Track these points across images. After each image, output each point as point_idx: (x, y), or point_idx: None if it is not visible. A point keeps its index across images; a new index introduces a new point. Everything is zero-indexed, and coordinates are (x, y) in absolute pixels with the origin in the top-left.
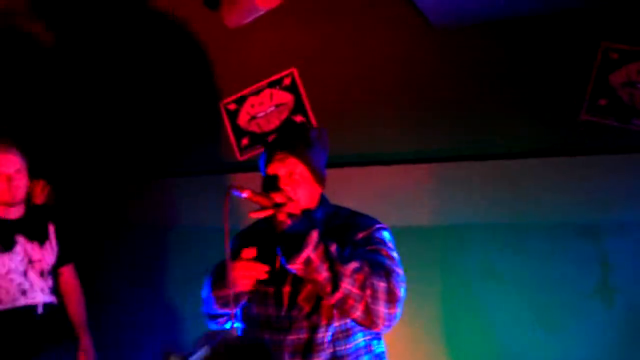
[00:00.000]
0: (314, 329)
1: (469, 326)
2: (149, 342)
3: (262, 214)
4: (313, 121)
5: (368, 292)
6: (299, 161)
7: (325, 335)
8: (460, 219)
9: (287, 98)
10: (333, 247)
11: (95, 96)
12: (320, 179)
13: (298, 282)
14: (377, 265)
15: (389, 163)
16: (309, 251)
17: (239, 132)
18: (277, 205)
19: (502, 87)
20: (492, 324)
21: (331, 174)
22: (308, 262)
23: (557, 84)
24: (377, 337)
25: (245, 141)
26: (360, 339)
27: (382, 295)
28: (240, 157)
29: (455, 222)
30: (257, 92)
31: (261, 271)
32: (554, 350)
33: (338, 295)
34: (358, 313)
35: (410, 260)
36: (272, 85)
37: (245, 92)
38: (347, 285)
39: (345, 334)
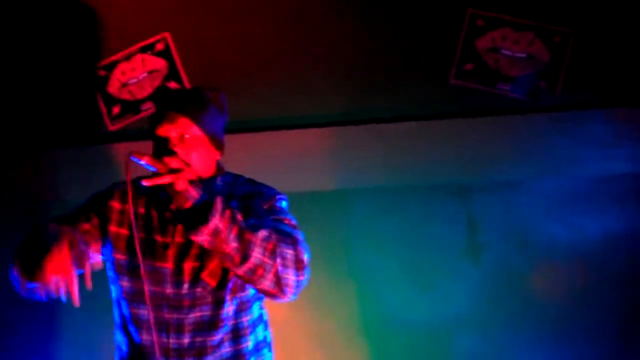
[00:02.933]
0: (218, 305)
1: (348, 287)
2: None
3: (157, 181)
4: (188, 88)
5: (278, 260)
6: (192, 122)
7: (229, 309)
8: (341, 183)
9: (161, 64)
10: (239, 215)
11: None
12: (218, 144)
13: (200, 256)
14: (283, 234)
15: (266, 129)
16: (216, 220)
17: (110, 100)
18: (174, 171)
19: (377, 55)
20: (371, 285)
21: None
22: (216, 232)
23: (427, 49)
24: (263, 306)
25: (116, 110)
26: (256, 309)
27: (291, 263)
28: (111, 127)
29: (336, 186)
30: (128, 58)
31: (71, 277)
32: (427, 308)
33: (248, 265)
34: (267, 282)
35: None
36: (144, 50)
37: (115, 57)
38: (257, 254)
39: (246, 306)
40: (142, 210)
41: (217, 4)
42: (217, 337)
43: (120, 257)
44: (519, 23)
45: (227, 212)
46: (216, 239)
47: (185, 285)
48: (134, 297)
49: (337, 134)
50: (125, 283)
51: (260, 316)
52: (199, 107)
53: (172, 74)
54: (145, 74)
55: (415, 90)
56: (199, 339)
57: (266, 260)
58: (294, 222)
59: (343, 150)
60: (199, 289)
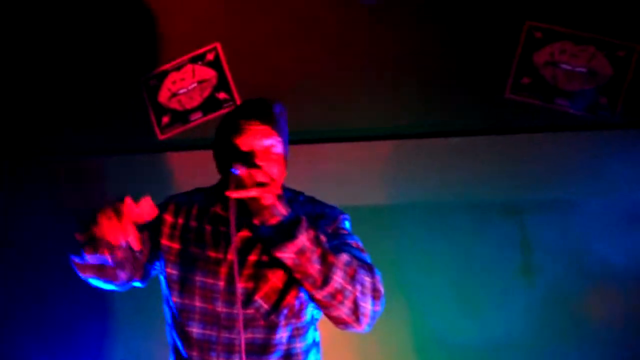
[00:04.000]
0: (271, 329)
1: (396, 306)
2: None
3: (244, 194)
4: (237, 99)
5: (358, 287)
6: (276, 134)
7: (282, 335)
8: (389, 199)
9: (210, 74)
10: (323, 237)
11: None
12: (286, 159)
13: (253, 277)
14: (360, 260)
15: (314, 142)
16: (303, 238)
17: (160, 110)
18: (260, 185)
19: (429, 68)
20: (418, 305)
21: None
22: (302, 251)
23: (483, 62)
24: (317, 327)
25: (166, 119)
26: (310, 335)
27: (369, 291)
28: (160, 136)
29: (384, 202)
30: (179, 68)
31: (125, 225)
32: (476, 332)
33: (328, 289)
34: (344, 310)
35: None
36: (194, 60)
37: (166, 67)
38: (339, 278)
39: (300, 332)
40: (194, 223)
41: (267, 16)
42: None
43: (171, 271)
44: (579, 36)
45: (312, 232)
46: (301, 257)
47: (238, 305)
48: (184, 313)
49: (390, 148)
50: (176, 299)
51: (314, 340)
52: (277, 121)
53: (222, 84)
54: (195, 84)
55: (470, 104)
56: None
57: (347, 285)
58: (361, 245)
59: (395, 165)
60: (251, 311)
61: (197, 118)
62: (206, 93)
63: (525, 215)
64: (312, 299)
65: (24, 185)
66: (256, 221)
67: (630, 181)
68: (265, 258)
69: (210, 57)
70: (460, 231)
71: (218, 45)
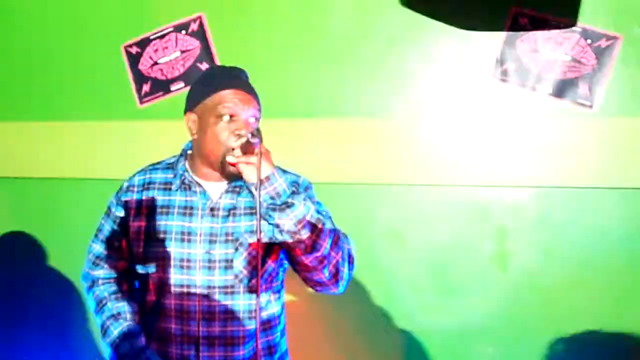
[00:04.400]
0: (252, 295)
1: (371, 287)
2: None
3: (244, 161)
4: None
5: (340, 253)
6: (258, 107)
7: (262, 300)
8: (369, 178)
9: (194, 44)
10: (313, 205)
11: None
12: None
13: (233, 242)
14: (337, 228)
15: (297, 117)
16: (301, 206)
17: (140, 78)
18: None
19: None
20: (393, 287)
21: None
22: (299, 216)
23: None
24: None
25: (146, 88)
26: (282, 298)
27: (347, 257)
28: (140, 104)
29: (363, 181)
30: (162, 36)
31: None
32: (449, 314)
33: (316, 254)
34: (326, 274)
35: None
36: (178, 29)
37: (148, 35)
38: (327, 245)
39: (277, 295)
40: (160, 197)
41: None
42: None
43: (146, 247)
44: (564, 24)
45: (308, 200)
46: (298, 225)
47: (216, 272)
48: (163, 286)
49: (360, 127)
50: (153, 273)
51: (283, 302)
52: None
53: (205, 55)
54: (177, 53)
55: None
56: (229, 329)
57: (331, 252)
58: (329, 213)
59: (374, 145)
60: (230, 277)
61: (179, 88)
62: (189, 63)
63: (500, 201)
64: (296, 263)
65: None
66: (253, 188)
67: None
68: (242, 224)
69: (194, 27)
70: (435, 215)
71: (203, 15)
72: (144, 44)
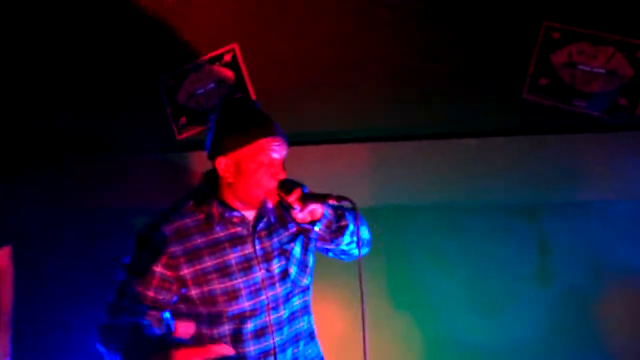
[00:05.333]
0: (304, 291)
1: (410, 308)
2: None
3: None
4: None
5: (361, 222)
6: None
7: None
8: (401, 200)
9: (228, 74)
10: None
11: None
12: None
13: (282, 255)
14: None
15: (330, 142)
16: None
17: (178, 110)
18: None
19: (444, 67)
20: (432, 305)
21: None
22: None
23: (499, 63)
24: None
25: (183, 119)
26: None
27: (364, 223)
28: (178, 136)
29: (396, 202)
30: (197, 68)
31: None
32: (489, 333)
33: (343, 222)
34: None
35: None
36: (212, 61)
37: (185, 67)
38: (350, 221)
39: (310, 287)
40: (200, 239)
41: (285, 17)
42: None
43: (206, 289)
44: (598, 36)
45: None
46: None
47: (277, 285)
48: (235, 319)
49: (408, 149)
50: (224, 308)
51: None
52: None
53: (239, 85)
54: (213, 85)
55: (487, 105)
56: (294, 329)
57: (355, 224)
58: None
59: (412, 166)
60: (288, 285)
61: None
62: (224, 93)
63: (542, 217)
64: (336, 242)
65: (41, 184)
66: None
67: None
68: (283, 235)
69: (227, 57)
70: (476, 233)
71: (236, 46)
72: (180, 76)
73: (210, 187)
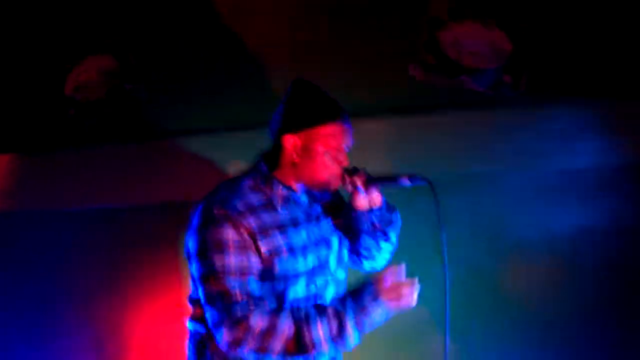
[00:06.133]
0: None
1: None
2: None
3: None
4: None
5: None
6: None
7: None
8: None
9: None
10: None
11: None
12: None
13: (332, 237)
14: None
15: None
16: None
17: (66, 102)
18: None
19: (334, 48)
20: None
21: None
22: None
23: (387, 41)
24: None
25: (72, 112)
26: None
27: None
28: (67, 128)
29: None
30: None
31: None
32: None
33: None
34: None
35: None
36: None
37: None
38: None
39: None
40: (267, 217)
41: None
42: None
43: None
44: (482, 16)
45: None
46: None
47: (333, 265)
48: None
49: None
50: (281, 286)
51: None
52: None
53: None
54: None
55: (374, 83)
56: None
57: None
58: None
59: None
60: (342, 265)
61: (103, 109)
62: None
63: (436, 192)
64: (384, 237)
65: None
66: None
67: (536, 155)
68: (332, 218)
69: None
70: None
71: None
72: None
73: (269, 168)
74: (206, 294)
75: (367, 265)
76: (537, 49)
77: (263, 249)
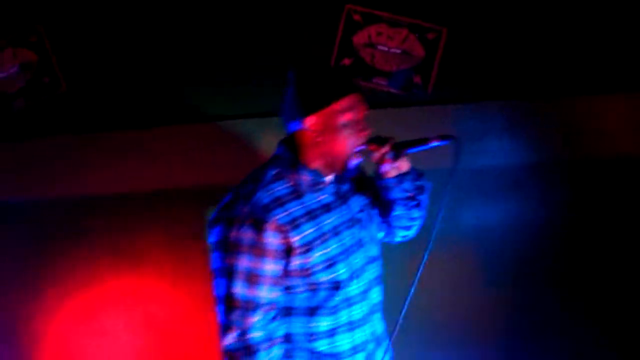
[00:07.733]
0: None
1: None
2: None
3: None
4: (63, 83)
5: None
6: None
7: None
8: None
9: (33, 57)
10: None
11: None
12: None
13: (370, 217)
14: None
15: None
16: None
17: None
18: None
19: (251, 51)
20: None
21: None
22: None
23: (305, 46)
24: None
25: None
26: None
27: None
28: None
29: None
30: None
31: None
32: None
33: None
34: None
35: None
36: (15, 43)
37: None
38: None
39: None
40: (300, 207)
41: None
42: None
43: (314, 254)
44: (394, 19)
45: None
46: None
47: (367, 247)
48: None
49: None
50: (324, 277)
51: None
52: None
53: (45, 68)
54: (16, 68)
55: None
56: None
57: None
58: None
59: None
60: (375, 247)
61: (20, 103)
62: (29, 77)
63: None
64: (417, 203)
65: None
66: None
67: (443, 154)
68: (362, 199)
69: (33, 39)
70: None
71: (41, 28)
72: None
73: (293, 154)
74: (215, 289)
75: (400, 234)
76: (447, 52)
77: (295, 239)
